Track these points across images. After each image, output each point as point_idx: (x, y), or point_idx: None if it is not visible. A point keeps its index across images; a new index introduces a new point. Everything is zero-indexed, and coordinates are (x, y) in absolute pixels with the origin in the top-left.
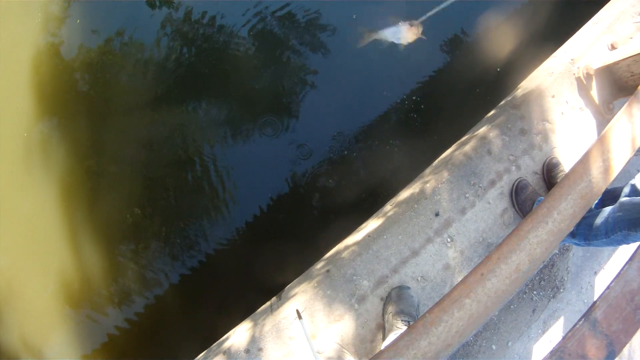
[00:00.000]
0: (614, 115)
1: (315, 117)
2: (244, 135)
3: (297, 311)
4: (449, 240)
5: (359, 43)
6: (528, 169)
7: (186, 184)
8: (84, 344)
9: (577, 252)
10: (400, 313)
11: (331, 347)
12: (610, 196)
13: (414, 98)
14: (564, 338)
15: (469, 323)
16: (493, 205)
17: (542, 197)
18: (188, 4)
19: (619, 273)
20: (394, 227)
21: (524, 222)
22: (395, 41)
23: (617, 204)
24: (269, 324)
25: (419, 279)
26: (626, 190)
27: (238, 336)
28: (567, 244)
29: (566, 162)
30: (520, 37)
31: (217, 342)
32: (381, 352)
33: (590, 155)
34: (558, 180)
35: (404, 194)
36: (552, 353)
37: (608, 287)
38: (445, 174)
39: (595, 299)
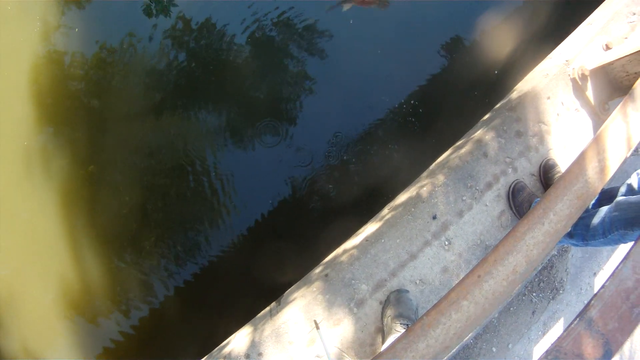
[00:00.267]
0: (610, 115)
1: (314, 122)
2: (243, 141)
3: (315, 322)
4: (446, 243)
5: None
6: (525, 171)
7: (186, 190)
8: (84, 349)
9: (576, 253)
10: (399, 316)
11: (331, 351)
12: (607, 196)
13: (412, 102)
14: (559, 337)
15: (466, 325)
16: (490, 207)
17: (539, 199)
18: (185, 12)
19: (614, 272)
20: (391, 230)
21: (520, 223)
22: (344, 4)
23: (613, 204)
24: (268, 328)
25: (418, 282)
26: (622, 189)
27: (238, 341)
28: (565, 245)
29: (563, 164)
30: (518, 39)
31: (218, 347)
32: (379, 354)
33: (585, 155)
34: (553, 183)
35: (402, 198)
36: (548, 353)
37: (603, 286)
38: (442, 177)
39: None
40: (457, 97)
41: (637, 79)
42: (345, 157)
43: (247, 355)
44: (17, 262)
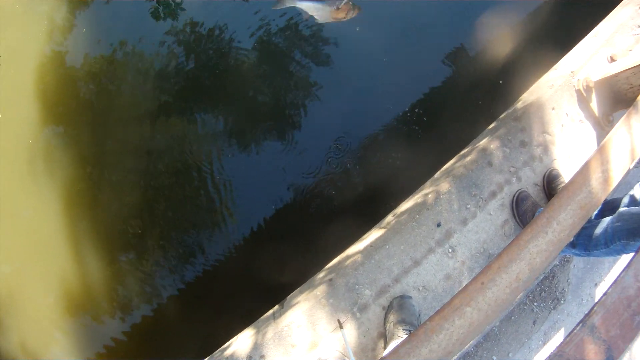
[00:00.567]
0: (614, 127)
1: (318, 128)
2: (246, 144)
3: (339, 321)
4: (450, 250)
5: (276, 4)
6: (529, 181)
7: (188, 192)
8: (84, 351)
9: (577, 263)
10: (401, 322)
11: (333, 355)
12: (609, 207)
13: (416, 110)
14: (562, 343)
15: (469, 331)
16: (494, 216)
17: (543, 208)
18: (192, 16)
19: (616, 279)
20: (396, 237)
21: (524, 232)
22: (316, 17)
23: (616, 214)
24: (271, 331)
25: (421, 288)
26: (625, 200)
27: (240, 343)
28: (567, 255)
29: (566, 174)
30: (523, 50)
31: (220, 348)
32: (382, 358)
33: (589, 166)
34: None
35: (406, 205)
36: (551, 357)
37: (605, 293)
38: (447, 185)
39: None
40: (461, 106)
41: None
42: (348, 164)
43: (249, 357)
44: (18, 261)
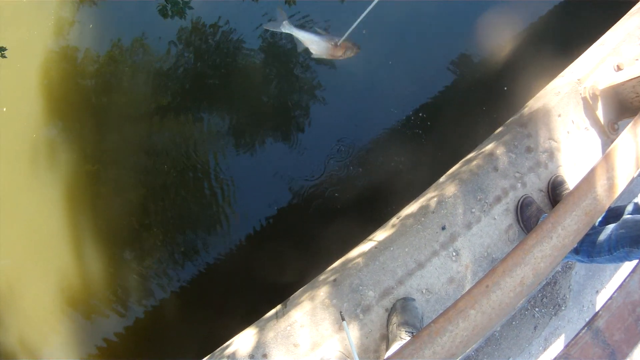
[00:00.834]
0: (619, 135)
1: (321, 129)
2: (249, 145)
3: (341, 312)
4: (454, 254)
5: (270, 24)
6: (533, 186)
7: (189, 191)
8: (83, 347)
9: (579, 270)
10: (404, 324)
11: (335, 356)
12: (613, 214)
13: (420, 114)
14: (567, 345)
15: (473, 334)
16: (498, 221)
17: (547, 215)
18: (200, 15)
19: (622, 284)
20: (400, 239)
21: (529, 236)
22: (311, 50)
23: (620, 222)
24: (274, 331)
25: (424, 291)
26: (629, 208)
27: (242, 342)
28: (569, 262)
29: (571, 181)
30: (527, 56)
31: (221, 347)
32: (386, 359)
33: (595, 173)
34: (562, 199)
35: (412, 207)
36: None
37: (611, 297)
38: (452, 189)
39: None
40: (465, 111)
41: None
42: (351, 166)
43: (252, 356)
44: (18, 255)
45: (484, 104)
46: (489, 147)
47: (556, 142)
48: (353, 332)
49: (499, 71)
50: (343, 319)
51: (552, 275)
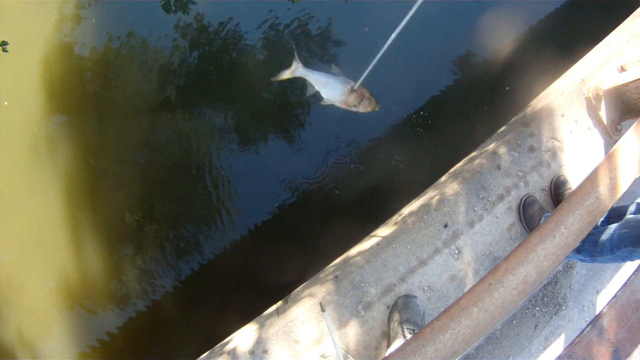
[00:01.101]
0: (622, 135)
1: (322, 127)
2: (249, 141)
3: (321, 304)
4: (456, 252)
5: (275, 76)
6: (536, 186)
7: (190, 187)
8: (82, 342)
9: (580, 270)
10: (405, 321)
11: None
12: (616, 214)
13: (421, 113)
14: (571, 343)
15: (475, 331)
16: (501, 219)
17: (549, 214)
18: (203, 11)
19: (626, 283)
20: (403, 236)
21: (532, 235)
22: (322, 95)
23: (622, 221)
24: (274, 326)
25: (426, 288)
26: (632, 208)
27: (243, 337)
28: (571, 261)
29: (574, 180)
30: (529, 56)
31: (221, 342)
32: (389, 356)
33: (598, 172)
34: (565, 198)
35: (414, 205)
36: (560, 358)
37: (615, 296)
38: (455, 187)
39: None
40: (467, 111)
41: None
42: (352, 164)
43: (252, 352)
44: (18, 249)
45: (485, 103)
46: (492, 145)
47: (559, 141)
48: (354, 329)
49: (501, 71)
50: (323, 310)
51: (553, 275)
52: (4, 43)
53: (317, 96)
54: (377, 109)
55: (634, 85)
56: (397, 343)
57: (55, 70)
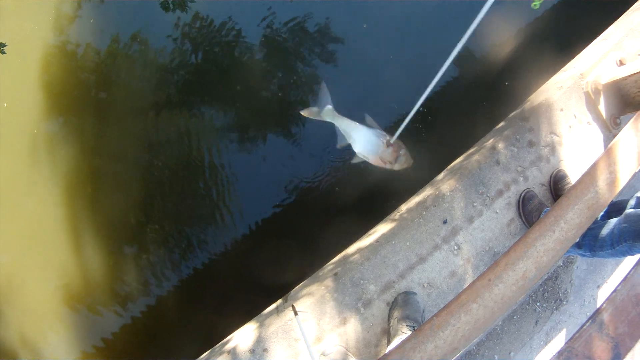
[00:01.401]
0: (621, 129)
1: (322, 125)
2: (250, 140)
3: (293, 306)
4: (456, 248)
5: (308, 111)
6: (535, 181)
7: (190, 187)
8: (83, 343)
9: (581, 265)
10: (405, 318)
11: (336, 350)
12: (616, 208)
13: (420, 109)
14: (571, 338)
15: (475, 327)
16: (500, 215)
17: (549, 209)
18: (202, 9)
19: (626, 277)
20: (402, 233)
21: (532, 230)
22: (355, 148)
23: (622, 216)
24: (274, 325)
25: (425, 285)
26: (632, 202)
27: (243, 336)
28: (571, 256)
29: (573, 175)
30: (528, 51)
31: (221, 342)
32: (388, 353)
33: (597, 167)
34: (564, 192)
35: (413, 201)
36: (560, 353)
37: (615, 290)
38: (454, 183)
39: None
40: (466, 106)
41: None
42: (351, 162)
43: (252, 351)
44: (18, 250)
45: (484, 98)
46: (490, 141)
47: (558, 136)
48: (354, 326)
49: (500, 66)
50: (295, 314)
51: (554, 270)
52: (2, 45)
53: (347, 148)
54: (412, 162)
55: (633, 79)
56: (397, 340)
57: (54, 70)
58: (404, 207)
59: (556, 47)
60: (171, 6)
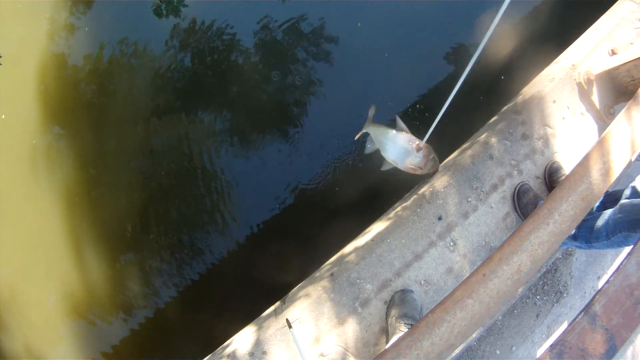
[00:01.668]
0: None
1: (320, 125)
2: (246, 144)
3: (287, 320)
4: (451, 244)
5: (369, 146)
6: (530, 174)
7: (189, 193)
8: (87, 352)
9: (580, 257)
10: (403, 316)
11: (334, 350)
12: (611, 199)
13: (417, 107)
14: (564, 332)
15: (471, 323)
16: (495, 209)
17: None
18: (195, 14)
19: (618, 267)
20: (397, 231)
21: (525, 223)
22: (385, 155)
23: (617, 206)
24: (272, 327)
25: (422, 282)
26: (627, 192)
27: (242, 340)
28: (570, 248)
29: (568, 167)
30: (524, 45)
31: (222, 346)
32: (384, 352)
33: (590, 157)
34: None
35: (407, 199)
36: (553, 346)
37: (607, 282)
38: (448, 179)
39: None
40: (463, 102)
41: None
42: (350, 161)
43: (251, 354)
44: (20, 262)
45: (481, 93)
46: (483, 135)
47: (551, 128)
48: (352, 326)
49: (496, 60)
50: (290, 327)
51: (553, 263)
52: None
53: (374, 155)
54: (438, 167)
55: (625, 68)
56: (395, 339)
57: (50, 80)
58: (398, 205)
59: (553, 41)
60: (164, 12)
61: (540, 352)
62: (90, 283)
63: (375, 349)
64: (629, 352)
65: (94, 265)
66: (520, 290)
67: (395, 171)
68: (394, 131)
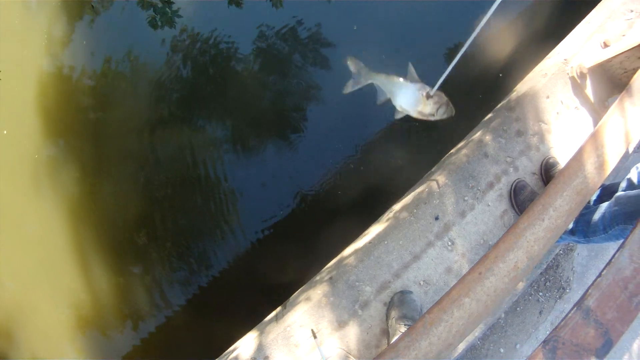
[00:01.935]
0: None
1: (318, 130)
2: (247, 151)
3: (312, 331)
4: (449, 243)
5: (349, 84)
6: (526, 170)
7: (191, 201)
8: None
9: (581, 251)
10: (403, 317)
11: (336, 353)
12: (608, 192)
13: None
14: (556, 327)
15: (469, 322)
16: (492, 207)
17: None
18: (190, 24)
19: (610, 260)
20: (394, 232)
21: (520, 220)
22: (396, 104)
23: (613, 199)
24: (274, 332)
25: (421, 283)
26: (623, 185)
27: (245, 345)
28: (571, 243)
29: (564, 161)
30: (522, 43)
31: (225, 352)
32: (382, 353)
33: (584, 151)
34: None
35: (404, 200)
36: (545, 342)
37: (600, 275)
38: (444, 179)
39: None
40: (462, 101)
41: (635, 75)
42: (351, 164)
43: (254, 359)
44: (26, 276)
45: (480, 92)
46: (478, 134)
47: (546, 123)
48: (353, 328)
49: (494, 59)
50: (315, 337)
51: (554, 258)
52: None
53: (387, 104)
54: (453, 112)
55: (618, 60)
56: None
57: (50, 94)
58: (395, 207)
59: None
60: (159, 23)
61: None
62: (96, 295)
63: (377, 351)
64: (635, 347)
65: (100, 277)
66: (517, 285)
67: (397, 167)
68: (401, 79)
